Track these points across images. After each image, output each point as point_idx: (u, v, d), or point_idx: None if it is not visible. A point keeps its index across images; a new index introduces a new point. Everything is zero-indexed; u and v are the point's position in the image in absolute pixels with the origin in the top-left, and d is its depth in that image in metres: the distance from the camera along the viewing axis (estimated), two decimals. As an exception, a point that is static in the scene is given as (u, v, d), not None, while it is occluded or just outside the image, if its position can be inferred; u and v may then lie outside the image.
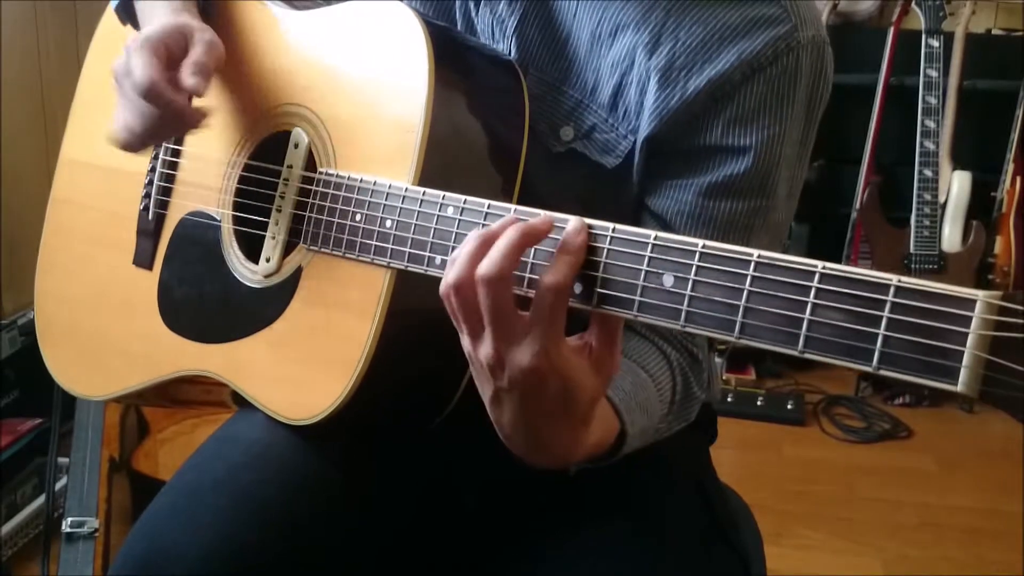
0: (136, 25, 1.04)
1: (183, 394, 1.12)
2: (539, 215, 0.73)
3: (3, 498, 1.90)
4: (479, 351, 0.70)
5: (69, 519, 1.62)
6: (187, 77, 0.90)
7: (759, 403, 2.87)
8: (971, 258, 3.00)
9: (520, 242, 0.69)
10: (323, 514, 0.91)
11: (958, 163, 3.04)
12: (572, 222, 0.71)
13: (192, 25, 0.94)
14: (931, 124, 2.92)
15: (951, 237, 3.02)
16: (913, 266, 2.99)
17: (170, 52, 0.92)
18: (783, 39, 0.88)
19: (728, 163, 0.90)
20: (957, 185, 3.02)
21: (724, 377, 2.98)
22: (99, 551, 1.60)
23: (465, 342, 0.71)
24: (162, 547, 0.86)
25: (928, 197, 2.96)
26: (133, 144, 0.97)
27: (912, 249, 2.99)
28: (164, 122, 0.93)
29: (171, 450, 1.90)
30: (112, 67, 0.94)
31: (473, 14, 1.02)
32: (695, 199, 0.91)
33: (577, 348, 0.71)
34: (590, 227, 0.71)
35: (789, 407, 2.87)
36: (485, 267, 0.68)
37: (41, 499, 1.96)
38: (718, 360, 2.87)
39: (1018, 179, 3.02)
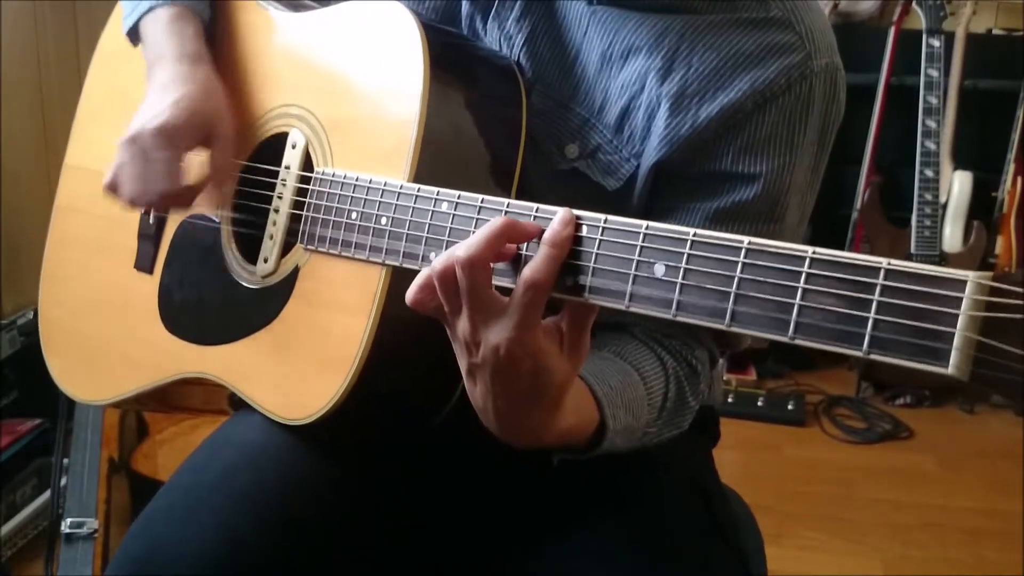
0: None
1: (182, 399, 1.12)
2: (532, 209, 0.73)
3: (3, 498, 1.90)
4: (458, 326, 0.72)
5: (68, 520, 1.62)
6: (221, 187, 0.98)
7: (760, 404, 2.87)
8: (972, 258, 3.00)
9: (500, 231, 0.70)
10: (320, 514, 0.91)
11: (959, 163, 3.04)
12: (560, 214, 0.71)
13: (216, 113, 0.98)
14: (932, 124, 2.92)
15: (952, 237, 3.02)
16: (914, 266, 2.99)
17: (191, 145, 0.97)
18: (797, 67, 0.88)
19: (737, 190, 0.90)
20: (958, 185, 3.01)
21: (725, 377, 2.97)
22: (98, 552, 1.60)
23: (449, 317, 0.73)
24: (159, 547, 0.86)
25: (929, 197, 2.95)
26: (119, 201, 1.00)
27: (913, 249, 2.98)
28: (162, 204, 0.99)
29: (170, 451, 1.90)
30: (128, 135, 0.96)
31: (480, 29, 1.01)
32: (702, 224, 0.91)
33: (550, 332, 0.72)
34: (580, 219, 0.71)
35: (790, 407, 2.87)
36: (462, 250, 0.70)
37: (40, 499, 1.96)
38: (720, 361, 2.87)
39: (1019, 179, 3.01)
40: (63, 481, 1.78)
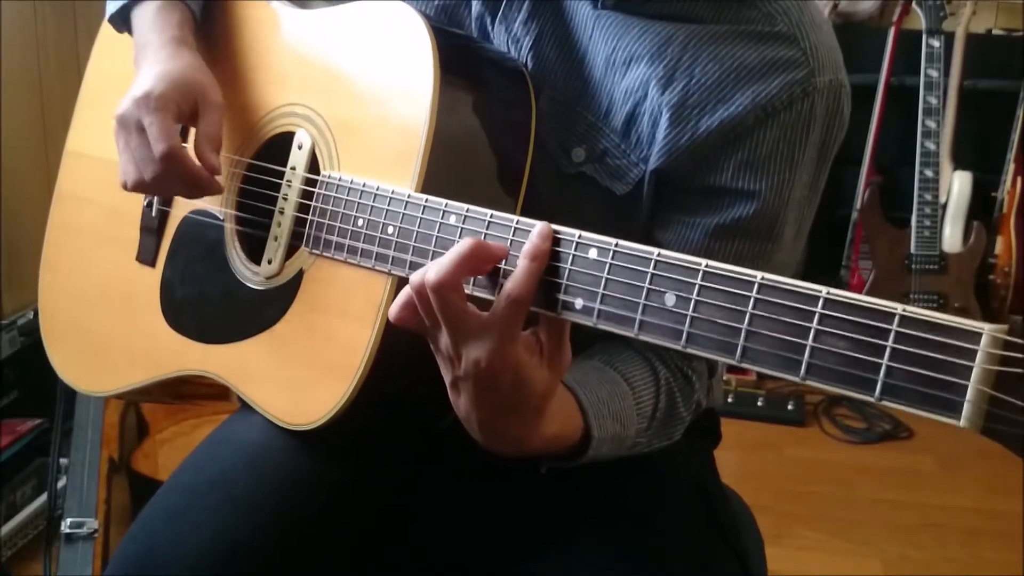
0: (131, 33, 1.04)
1: (187, 390, 1.12)
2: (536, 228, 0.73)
3: (3, 498, 1.90)
4: (440, 341, 0.73)
5: (68, 520, 1.62)
6: (208, 154, 0.93)
7: (759, 404, 2.87)
8: (972, 258, 3.00)
9: (468, 254, 0.71)
10: (318, 516, 0.91)
11: (959, 163, 3.04)
12: (538, 227, 0.72)
13: (203, 83, 0.96)
14: (932, 124, 2.92)
15: (952, 237, 3.02)
16: (914, 266, 2.99)
17: (180, 112, 0.94)
18: (799, 84, 0.87)
19: (736, 206, 0.89)
20: (958, 185, 3.01)
21: (725, 377, 2.97)
22: (98, 552, 1.59)
23: (431, 331, 0.74)
24: (157, 547, 0.87)
25: (929, 197, 2.95)
26: (144, 191, 0.98)
27: (913, 249, 2.98)
28: (177, 184, 0.95)
29: (170, 451, 1.90)
30: (116, 115, 0.94)
31: (490, 30, 1.00)
32: (701, 239, 0.90)
33: (529, 344, 0.73)
34: (591, 242, 0.71)
35: (789, 408, 2.87)
36: (432, 272, 0.70)
37: (40, 499, 1.96)
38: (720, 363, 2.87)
39: (1019, 179, 3.01)
40: (62, 481, 1.79)
